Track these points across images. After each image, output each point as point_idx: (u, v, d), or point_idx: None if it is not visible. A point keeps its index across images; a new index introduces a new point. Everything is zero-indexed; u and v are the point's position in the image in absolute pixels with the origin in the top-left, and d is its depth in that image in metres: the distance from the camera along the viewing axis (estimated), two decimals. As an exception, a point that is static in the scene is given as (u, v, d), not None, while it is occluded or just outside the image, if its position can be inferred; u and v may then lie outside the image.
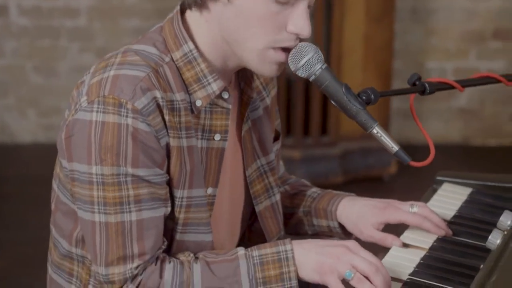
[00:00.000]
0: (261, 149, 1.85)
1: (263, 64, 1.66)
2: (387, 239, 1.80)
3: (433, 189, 2.04)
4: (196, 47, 1.69)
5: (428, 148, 1.71)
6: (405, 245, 1.80)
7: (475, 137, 5.02)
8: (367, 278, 1.59)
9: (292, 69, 1.65)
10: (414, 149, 4.81)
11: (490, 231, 1.73)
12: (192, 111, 1.68)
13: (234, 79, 1.78)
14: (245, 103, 1.80)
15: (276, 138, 1.93)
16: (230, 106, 1.72)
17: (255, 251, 1.66)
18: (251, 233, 1.93)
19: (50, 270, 1.85)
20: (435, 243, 1.78)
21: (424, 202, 1.97)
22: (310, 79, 1.65)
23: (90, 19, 4.76)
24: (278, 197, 1.89)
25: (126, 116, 1.60)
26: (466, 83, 1.83)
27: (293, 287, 1.64)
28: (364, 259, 1.61)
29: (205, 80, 1.68)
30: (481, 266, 1.64)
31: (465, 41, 4.86)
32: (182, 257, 1.69)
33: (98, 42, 4.77)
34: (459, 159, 4.85)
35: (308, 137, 4.40)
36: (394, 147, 1.65)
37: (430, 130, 4.96)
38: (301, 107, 4.32)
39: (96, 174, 1.62)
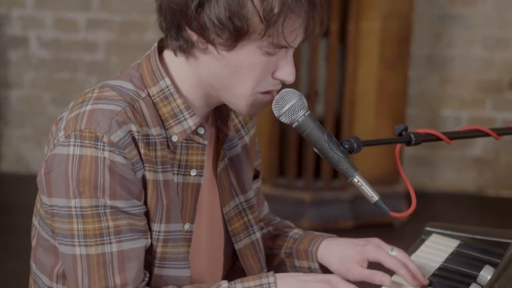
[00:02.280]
0: (239, 186, 1.86)
1: (251, 106, 1.69)
2: (376, 276, 1.78)
3: (421, 239, 2.03)
4: (173, 83, 1.71)
5: (443, 196, 1.70)
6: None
7: (489, 188, 4.99)
8: None
9: (276, 115, 1.66)
10: (428, 197, 4.84)
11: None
12: (168, 146, 1.70)
13: (212, 116, 1.80)
14: (221, 141, 1.81)
15: (255, 177, 1.94)
16: (206, 142, 1.74)
17: (239, 284, 1.67)
18: (234, 273, 1.93)
19: None
20: (416, 295, 1.77)
21: (412, 252, 1.96)
22: (293, 125, 1.66)
23: (108, 53, 4.81)
24: (258, 235, 1.90)
25: (103, 150, 1.61)
26: (454, 136, 1.82)
27: None
28: None
29: (181, 115, 1.70)
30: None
31: (481, 91, 4.85)
32: None
33: (116, 76, 4.82)
34: (471, 209, 4.82)
35: (319, 180, 4.40)
36: (374, 197, 1.65)
37: (443, 179, 4.94)
38: (312, 149, 4.31)
39: (75, 207, 1.63)
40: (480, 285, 1.67)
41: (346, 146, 1.65)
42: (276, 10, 1.58)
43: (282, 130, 4.36)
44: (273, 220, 2.06)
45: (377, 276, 1.78)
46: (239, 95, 1.67)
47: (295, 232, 1.98)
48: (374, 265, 1.83)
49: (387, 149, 4.36)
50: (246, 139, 1.90)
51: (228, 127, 1.80)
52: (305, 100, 1.66)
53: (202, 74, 1.69)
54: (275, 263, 1.98)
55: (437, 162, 4.95)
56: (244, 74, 1.64)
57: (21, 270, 3.82)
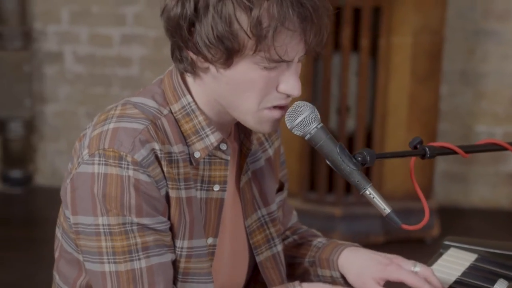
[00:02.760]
0: (262, 199, 1.87)
1: (259, 123, 1.69)
2: None
3: (440, 253, 2.03)
4: (194, 100, 1.72)
5: (477, 212, 1.69)
6: None
7: (524, 204, 4.95)
8: None
9: (288, 127, 1.67)
10: (461, 213, 4.81)
11: (487, 299, 1.71)
12: (191, 163, 1.72)
13: (234, 131, 1.81)
14: (244, 155, 1.82)
15: (280, 189, 1.95)
16: (228, 158, 1.75)
17: None
18: (257, 284, 1.94)
19: None
20: (430, 308, 1.77)
21: (429, 266, 1.96)
22: (306, 138, 1.67)
23: (142, 68, 4.86)
24: (280, 247, 1.91)
25: (127, 168, 1.63)
26: (470, 149, 1.82)
27: None
28: None
29: (203, 132, 1.72)
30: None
31: (515, 106, 4.82)
32: None
33: (149, 91, 4.86)
34: (505, 225, 4.77)
35: (350, 194, 4.39)
36: (387, 209, 1.65)
37: (477, 195, 4.90)
38: (343, 164, 4.31)
39: (103, 225, 1.65)
40: (494, 298, 1.67)
41: (359, 158, 1.66)
42: (264, 25, 1.57)
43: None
44: (299, 228, 2.07)
45: None
46: (245, 112, 1.68)
47: (319, 241, 1.99)
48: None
49: (418, 164, 4.34)
50: (270, 152, 1.91)
51: (250, 141, 1.81)
52: (317, 113, 1.66)
53: (209, 93, 1.70)
54: (299, 271, 1.99)
55: (470, 178, 4.91)
56: (245, 90, 1.65)
57: (49, 282, 3.88)
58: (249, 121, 1.69)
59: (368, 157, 1.66)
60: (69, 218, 1.72)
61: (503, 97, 4.82)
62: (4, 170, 4.89)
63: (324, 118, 4.22)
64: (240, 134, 1.83)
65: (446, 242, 2.05)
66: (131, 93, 4.81)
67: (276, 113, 1.68)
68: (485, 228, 4.69)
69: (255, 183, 1.86)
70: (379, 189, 4.34)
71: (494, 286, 1.67)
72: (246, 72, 1.63)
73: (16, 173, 4.92)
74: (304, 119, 1.65)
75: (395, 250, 2.28)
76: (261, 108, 1.67)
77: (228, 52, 1.60)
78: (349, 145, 4.32)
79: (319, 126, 1.66)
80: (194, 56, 1.65)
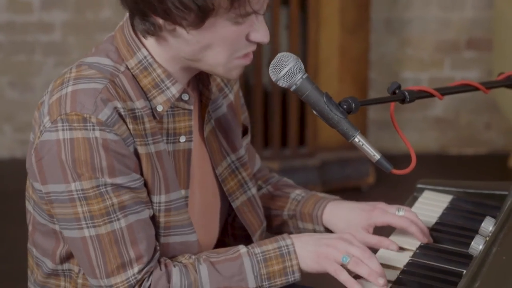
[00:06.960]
0: (229, 146, 1.87)
1: (229, 72, 1.69)
2: (383, 242, 1.81)
3: (414, 197, 2.05)
4: (150, 53, 1.70)
5: (405, 158, 1.72)
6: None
7: (451, 146, 5.05)
8: None
9: (273, 80, 1.66)
10: (392, 160, 4.85)
11: (471, 238, 1.73)
12: (155, 117, 1.70)
13: (193, 81, 1.79)
14: (204, 105, 1.81)
15: (244, 133, 1.95)
16: (191, 107, 1.74)
17: (257, 248, 1.71)
18: (234, 229, 1.94)
19: None
20: (418, 250, 1.79)
21: (406, 210, 1.98)
22: (292, 89, 1.66)
23: (65, 34, 4.75)
24: (254, 190, 1.91)
25: (93, 130, 1.60)
26: (445, 91, 1.85)
27: (296, 280, 1.70)
28: (359, 247, 1.67)
29: (163, 85, 1.70)
30: (464, 272, 1.65)
31: (440, 51, 4.89)
32: (183, 260, 1.71)
33: (74, 56, 4.75)
34: (435, 168, 4.88)
35: (286, 148, 4.41)
36: (376, 156, 1.66)
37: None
38: (278, 118, 4.33)
39: (76, 190, 1.62)
40: (483, 236, 1.70)
41: (345, 106, 1.66)
42: None
43: (248, 101, 4.35)
44: (270, 177, 2.07)
45: (385, 242, 1.80)
46: (217, 65, 1.67)
47: (297, 193, 1.99)
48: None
49: (351, 115, 4.38)
50: (231, 96, 1.91)
51: (210, 90, 1.80)
52: (301, 63, 1.66)
53: (175, 52, 1.68)
54: (276, 223, 1.99)
55: (399, 124, 4.96)
56: (217, 46, 1.64)
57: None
58: (219, 71, 1.69)
59: (353, 105, 1.67)
60: (40, 190, 1.69)
61: (427, 43, 4.88)
62: None
63: (256, 73, 4.21)
64: (198, 84, 1.81)
65: (420, 186, 2.08)
66: (55, 59, 4.73)
67: (245, 61, 1.69)
68: (416, 173, 4.74)
69: (220, 130, 1.86)
70: (314, 141, 4.41)
71: (482, 224, 1.70)
72: (218, 30, 1.62)
73: None
74: (289, 71, 1.64)
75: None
76: (232, 59, 1.67)
77: (202, 13, 1.58)
78: (283, 99, 4.32)
79: (304, 77, 1.65)
80: (161, 21, 1.62)
